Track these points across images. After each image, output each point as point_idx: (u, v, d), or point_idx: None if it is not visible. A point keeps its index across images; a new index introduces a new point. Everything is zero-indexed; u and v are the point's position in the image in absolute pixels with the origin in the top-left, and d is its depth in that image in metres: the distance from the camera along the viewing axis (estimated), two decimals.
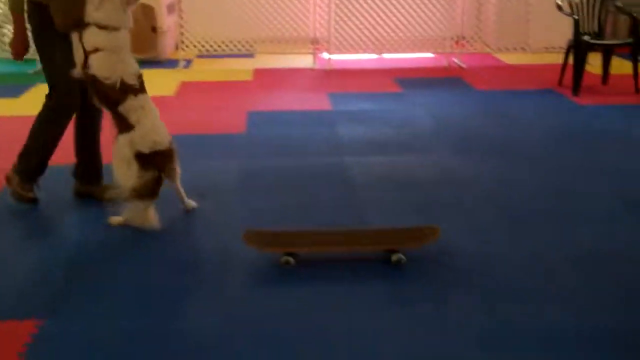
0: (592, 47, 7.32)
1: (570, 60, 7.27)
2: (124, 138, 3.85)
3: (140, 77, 3.95)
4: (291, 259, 3.47)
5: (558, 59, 7.78)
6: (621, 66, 8.08)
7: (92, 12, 3.80)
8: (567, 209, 4.26)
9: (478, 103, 6.91)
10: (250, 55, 9.17)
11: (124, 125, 3.86)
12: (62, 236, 3.92)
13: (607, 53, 7.59)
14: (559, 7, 7.34)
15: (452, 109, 6.64)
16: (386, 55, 9.23)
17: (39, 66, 8.45)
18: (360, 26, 8.75)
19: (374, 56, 9.24)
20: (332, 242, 3.65)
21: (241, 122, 6.14)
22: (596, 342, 2.87)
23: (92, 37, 3.83)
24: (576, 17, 7.19)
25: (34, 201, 4.24)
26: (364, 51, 8.91)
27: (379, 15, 8.74)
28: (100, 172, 4.41)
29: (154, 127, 3.91)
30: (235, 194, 4.47)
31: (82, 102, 4.13)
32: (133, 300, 3.21)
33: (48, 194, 4.40)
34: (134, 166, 3.82)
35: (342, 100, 6.98)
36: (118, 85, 3.83)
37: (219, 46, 8.85)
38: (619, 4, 7.76)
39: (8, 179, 4.24)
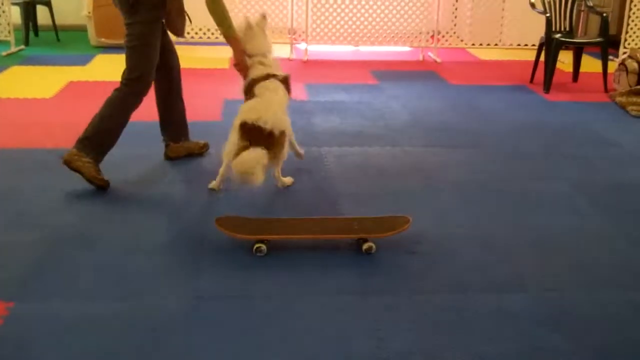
0: (564, 45, 7.44)
1: (542, 57, 7.40)
2: (241, 106, 4.22)
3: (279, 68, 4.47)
4: (263, 246, 3.54)
5: (531, 55, 7.92)
6: (592, 64, 8.25)
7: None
8: (528, 195, 4.44)
9: (451, 97, 7.03)
10: (227, 43, 9.17)
11: (248, 95, 4.26)
12: (37, 217, 3.95)
13: (578, 51, 7.74)
14: (532, 5, 7.47)
15: (426, 102, 6.74)
16: (363, 48, 9.32)
17: (12, 49, 8.51)
18: (338, 18, 8.83)
19: (350, 48, 9.33)
20: (304, 230, 3.73)
21: (217, 109, 6.20)
22: (556, 324, 3.00)
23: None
24: (548, 15, 7.33)
25: (107, 184, 4.30)
26: (341, 43, 8.99)
27: (356, 8, 8.82)
28: (187, 127, 4.88)
29: (267, 106, 4.13)
30: (210, 180, 4.53)
31: (161, 66, 4.48)
32: (104, 281, 3.26)
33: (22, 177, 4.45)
34: (235, 134, 4.06)
35: (319, 91, 7.06)
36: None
37: (197, 33, 8.89)
38: (590, 3, 7.90)
39: (79, 166, 4.21)
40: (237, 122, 4.05)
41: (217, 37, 8.92)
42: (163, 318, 2.98)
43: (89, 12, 8.67)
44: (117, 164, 4.66)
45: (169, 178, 4.53)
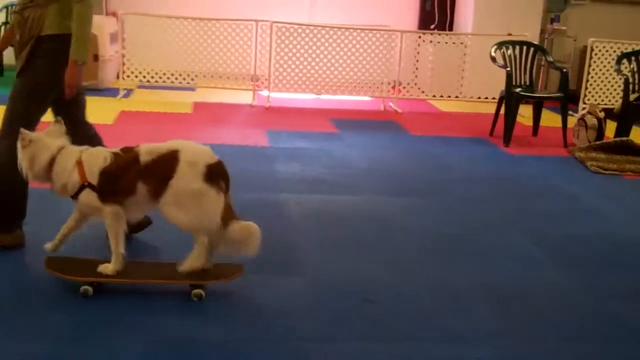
0: (524, 99, 7.56)
1: (502, 110, 7.50)
2: None
3: None
4: (90, 289, 3.41)
5: (491, 108, 8.01)
6: (551, 119, 8.37)
7: None
8: (483, 245, 4.45)
9: (411, 147, 7.09)
10: (190, 88, 9.22)
11: None
12: None
13: (538, 106, 7.87)
14: (493, 59, 7.59)
15: (385, 151, 6.79)
16: (324, 96, 9.38)
17: None
18: (300, 66, 8.90)
19: (312, 96, 9.39)
20: (135, 274, 3.59)
21: None
22: None
23: None
24: (509, 70, 7.45)
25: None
26: (303, 91, 9.04)
27: (319, 57, 8.90)
28: None
29: None
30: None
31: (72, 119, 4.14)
32: None
33: None
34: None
35: (280, 138, 7.07)
36: None
37: (160, 77, 8.87)
38: (550, 58, 8.07)
39: None
40: None
41: (180, 82, 8.94)
42: None
43: None
44: None
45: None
